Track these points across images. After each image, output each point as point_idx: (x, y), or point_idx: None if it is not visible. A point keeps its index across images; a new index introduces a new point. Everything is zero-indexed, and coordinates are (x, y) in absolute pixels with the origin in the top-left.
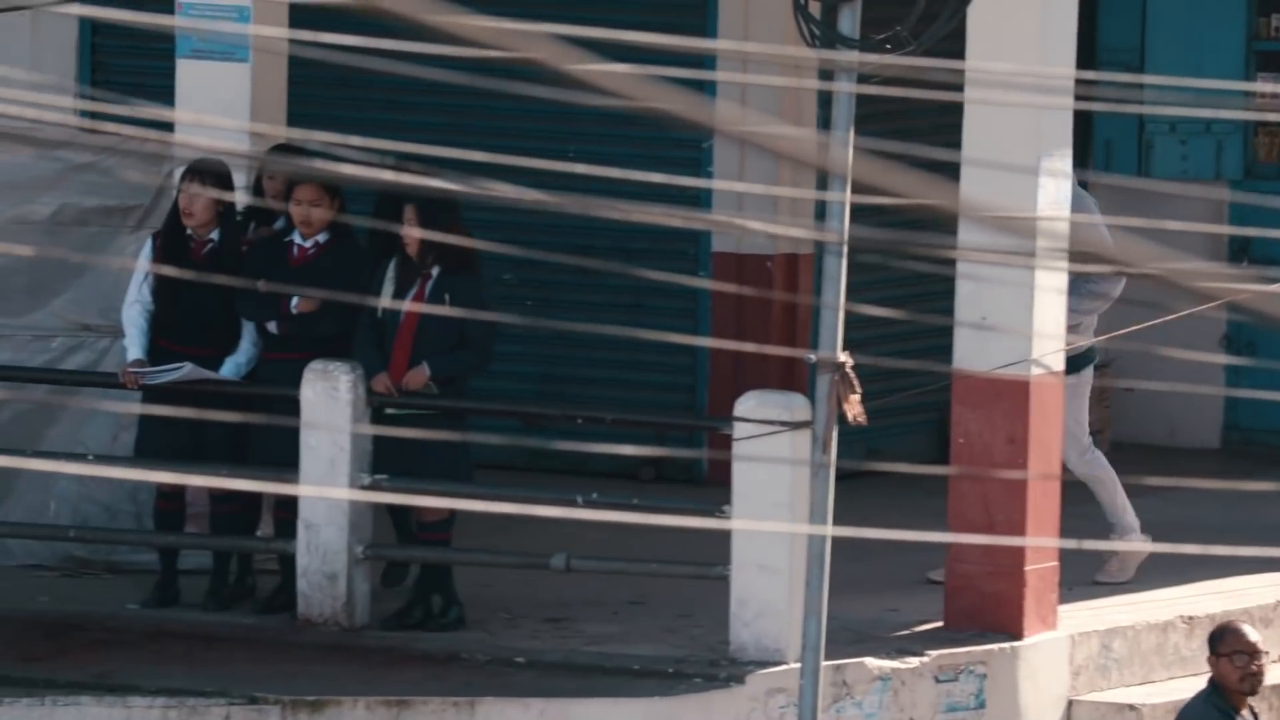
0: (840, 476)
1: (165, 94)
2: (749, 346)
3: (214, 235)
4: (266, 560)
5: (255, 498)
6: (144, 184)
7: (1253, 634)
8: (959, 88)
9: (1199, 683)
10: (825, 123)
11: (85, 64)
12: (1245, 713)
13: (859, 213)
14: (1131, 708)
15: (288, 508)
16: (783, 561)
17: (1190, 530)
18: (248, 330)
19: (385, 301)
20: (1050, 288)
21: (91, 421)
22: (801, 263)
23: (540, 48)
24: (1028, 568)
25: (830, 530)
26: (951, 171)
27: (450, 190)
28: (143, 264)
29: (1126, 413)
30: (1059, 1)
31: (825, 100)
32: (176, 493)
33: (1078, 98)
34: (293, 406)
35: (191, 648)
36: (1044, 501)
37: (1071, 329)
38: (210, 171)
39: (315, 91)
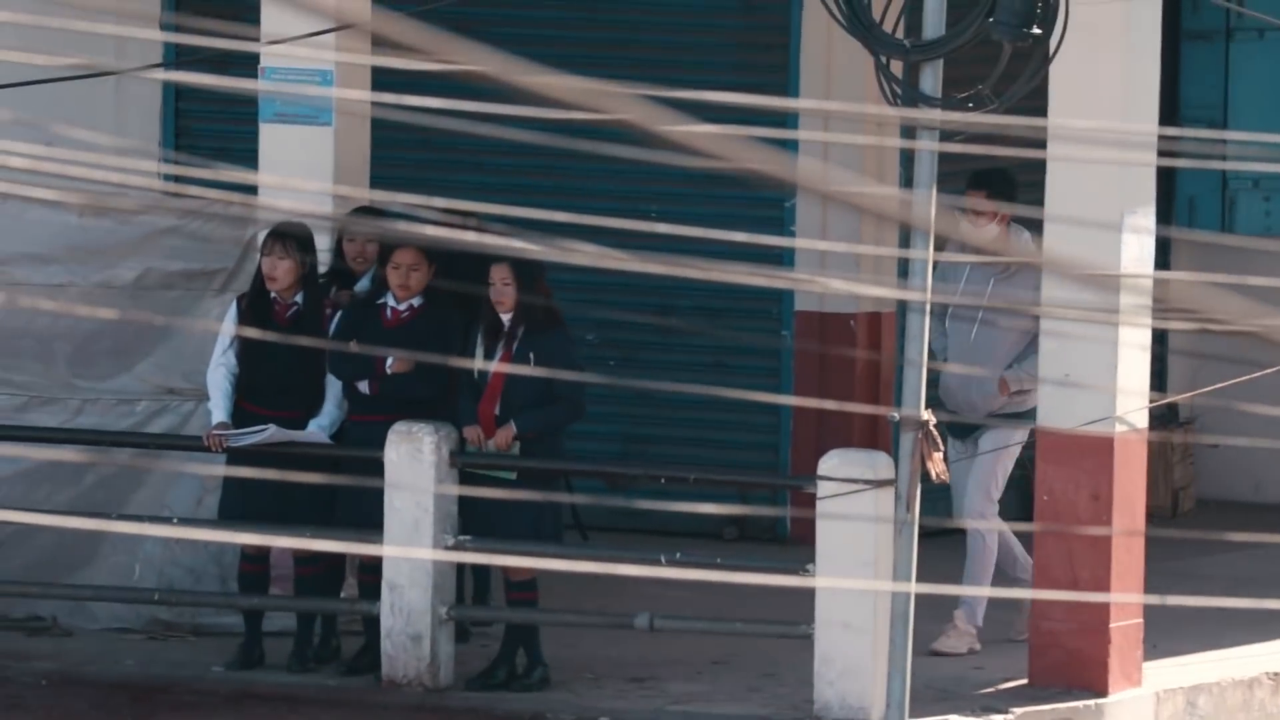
0: (924, 534)
1: (249, 158)
2: (832, 405)
3: (298, 299)
4: (351, 622)
5: (339, 559)
6: (228, 248)
7: None
8: (1041, 144)
9: None
10: (908, 181)
11: (169, 128)
12: None
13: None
14: None
15: (372, 570)
16: (867, 620)
17: (1275, 586)
18: (332, 393)
19: (479, 363)
20: (1134, 344)
21: (176, 484)
22: (884, 321)
23: (627, 108)
24: (1112, 625)
25: (914, 588)
26: (1035, 228)
27: (533, 250)
28: (228, 327)
29: (1211, 469)
30: (1141, 58)
31: (907, 159)
32: (261, 555)
33: (1161, 154)
34: (379, 468)
35: (276, 710)
36: (1128, 558)
37: (1027, 393)
38: (293, 235)
39: (398, 154)
